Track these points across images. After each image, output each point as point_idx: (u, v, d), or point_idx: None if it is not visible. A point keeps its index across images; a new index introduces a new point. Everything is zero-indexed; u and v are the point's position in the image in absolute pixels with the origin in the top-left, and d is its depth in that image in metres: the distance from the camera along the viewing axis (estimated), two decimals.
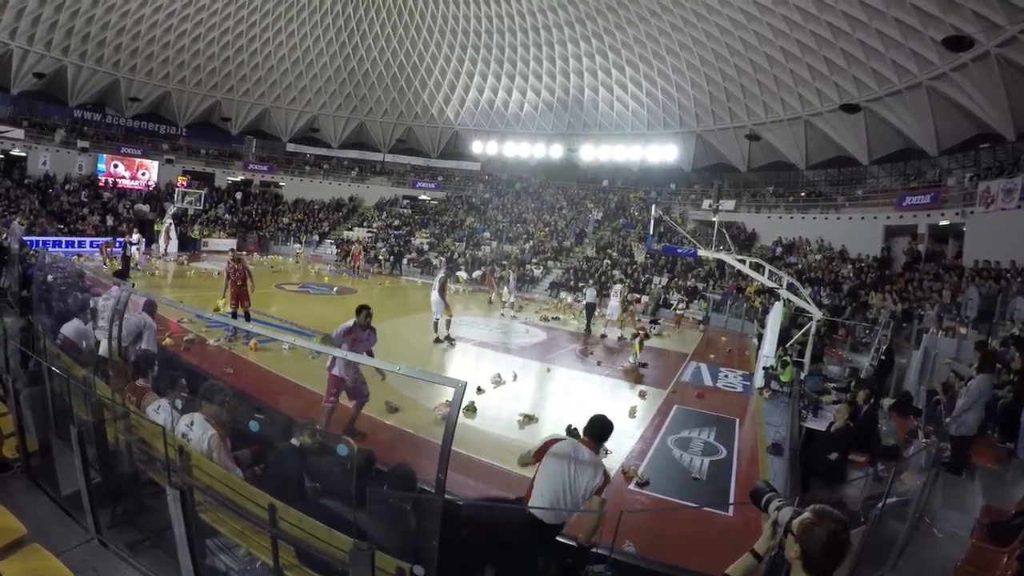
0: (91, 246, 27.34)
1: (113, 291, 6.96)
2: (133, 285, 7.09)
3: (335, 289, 21.41)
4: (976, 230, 20.07)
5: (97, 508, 4.10)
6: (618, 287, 18.30)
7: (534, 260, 31.15)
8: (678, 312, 21.76)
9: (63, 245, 26.38)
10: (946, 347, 11.50)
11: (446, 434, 2.89)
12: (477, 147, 40.94)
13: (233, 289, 12.22)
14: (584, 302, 18.23)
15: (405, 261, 31.91)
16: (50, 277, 10.04)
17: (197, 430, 3.97)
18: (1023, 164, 19.35)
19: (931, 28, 19.69)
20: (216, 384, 4.50)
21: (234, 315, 11.97)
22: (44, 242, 23.78)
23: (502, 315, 19.13)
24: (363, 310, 6.94)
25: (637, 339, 13.23)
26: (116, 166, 35.32)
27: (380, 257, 31.99)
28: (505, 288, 20.85)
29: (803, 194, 30.17)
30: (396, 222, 38.82)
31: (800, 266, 24.62)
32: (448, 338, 13.29)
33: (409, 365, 3.86)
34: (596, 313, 17.89)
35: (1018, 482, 6.10)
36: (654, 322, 19.72)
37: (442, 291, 13.26)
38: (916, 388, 11.10)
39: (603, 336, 16.71)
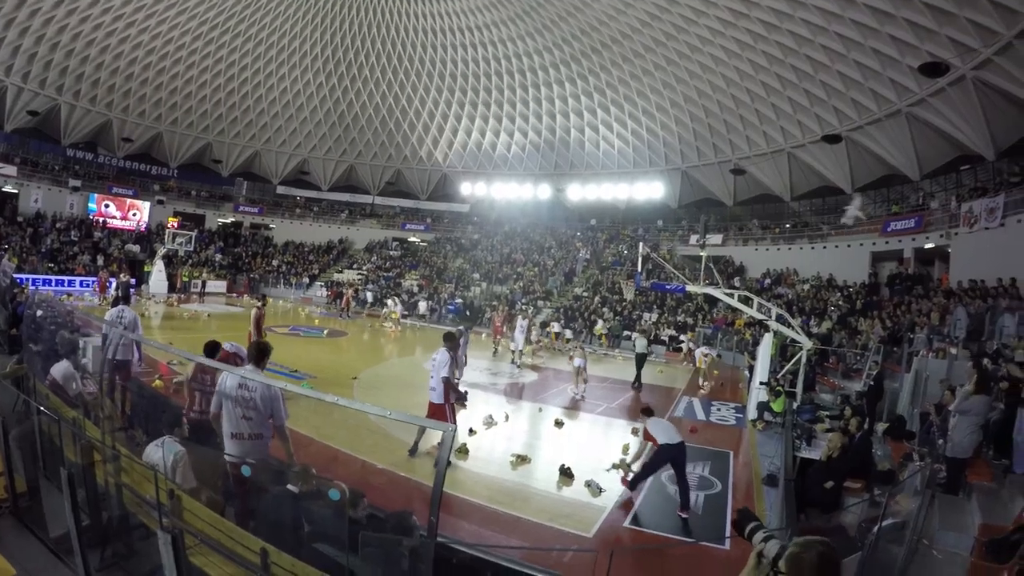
0: (81, 285, 27.19)
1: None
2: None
3: (325, 332, 21.38)
4: (961, 251, 20.25)
5: (87, 550, 4.03)
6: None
7: (524, 300, 31.16)
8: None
9: (53, 284, 26.29)
10: (937, 368, 11.45)
11: (437, 477, 2.87)
12: (466, 189, 41.20)
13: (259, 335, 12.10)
14: (635, 352, 16.46)
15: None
16: (39, 312, 9.95)
17: (167, 448, 4.21)
18: (1004, 183, 19.49)
19: (908, 56, 20.10)
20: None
21: None
22: (34, 280, 23.64)
23: (516, 364, 17.53)
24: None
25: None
26: (107, 206, 35.49)
27: (362, 298, 32.33)
28: (520, 334, 18.27)
29: (789, 225, 30.54)
30: (386, 264, 38.96)
31: (789, 296, 24.78)
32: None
33: (402, 409, 3.87)
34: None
35: (1015, 498, 6.06)
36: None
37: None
38: (909, 412, 11.09)
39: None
